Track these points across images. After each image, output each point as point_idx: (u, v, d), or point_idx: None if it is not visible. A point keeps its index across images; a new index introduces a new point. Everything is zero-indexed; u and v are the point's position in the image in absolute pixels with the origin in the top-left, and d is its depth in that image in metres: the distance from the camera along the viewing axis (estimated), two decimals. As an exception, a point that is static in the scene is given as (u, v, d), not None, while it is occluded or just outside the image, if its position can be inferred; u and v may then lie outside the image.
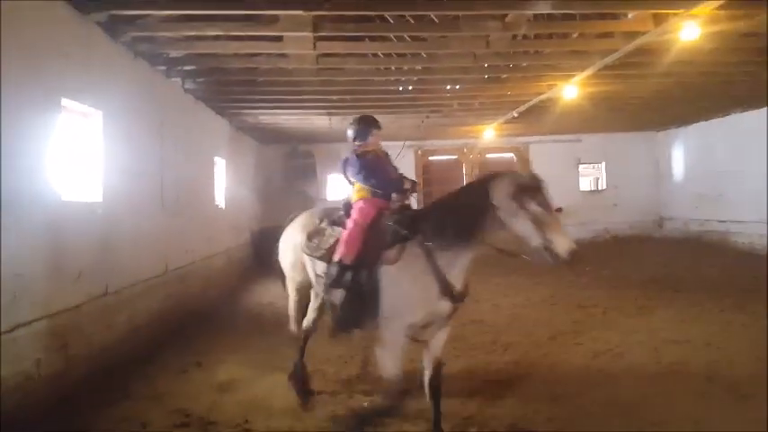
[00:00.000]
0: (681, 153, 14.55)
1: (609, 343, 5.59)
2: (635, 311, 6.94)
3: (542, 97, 9.00)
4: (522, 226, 3.26)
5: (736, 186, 11.95)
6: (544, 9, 5.09)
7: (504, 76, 7.99)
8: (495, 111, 10.59)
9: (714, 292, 7.69)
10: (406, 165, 14.66)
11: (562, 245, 3.17)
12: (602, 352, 5.35)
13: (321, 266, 3.89)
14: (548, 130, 13.95)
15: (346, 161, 4.06)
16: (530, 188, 3.27)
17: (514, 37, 6.10)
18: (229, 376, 4.91)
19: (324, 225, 4.02)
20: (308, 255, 4.02)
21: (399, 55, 6.91)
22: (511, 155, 15.55)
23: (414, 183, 3.98)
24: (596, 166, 15.99)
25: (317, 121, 10.92)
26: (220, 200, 10.07)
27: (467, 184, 4.17)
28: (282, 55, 6.56)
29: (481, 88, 8.57)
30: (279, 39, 5.92)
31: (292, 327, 4.49)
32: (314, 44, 5.90)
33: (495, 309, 7.47)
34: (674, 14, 5.25)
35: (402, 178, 4.00)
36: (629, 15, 5.72)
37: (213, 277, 8.98)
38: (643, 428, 3.69)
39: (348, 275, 3.63)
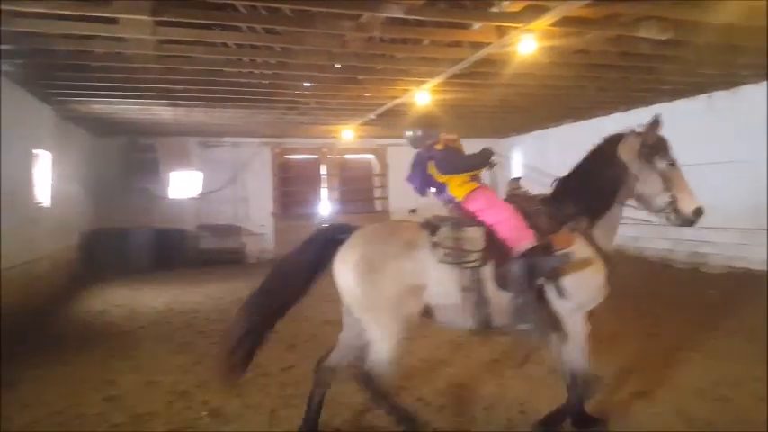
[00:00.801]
0: (520, 159, 16.13)
1: (451, 334, 5.90)
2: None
3: (398, 101, 9.43)
4: (650, 184, 3.39)
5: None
6: (396, 13, 5.33)
7: (361, 77, 8.23)
8: (353, 111, 10.86)
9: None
10: (260, 164, 14.49)
11: (688, 203, 3.33)
12: (445, 342, 5.76)
13: (467, 276, 3.45)
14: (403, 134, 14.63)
15: (432, 160, 3.85)
16: (655, 145, 3.38)
17: (369, 39, 6.31)
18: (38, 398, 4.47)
19: (447, 230, 3.50)
20: (453, 264, 3.45)
21: (253, 47, 6.78)
22: (371, 156, 16.03)
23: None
24: (449, 169, 17.09)
25: (160, 112, 10.27)
26: (44, 198, 9.03)
27: (592, 150, 3.88)
28: (120, 39, 6.09)
29: (338, 88, 8.72)
30: (114, 21, 5.49)
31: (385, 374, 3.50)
32: (153, 29, 5.57)
33: (349, 308, 7.64)
34: (515, 28, 5.82)
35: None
36: (475, 26, 6.22)
37: (33, 284, 8.02)
38: (476, 413, 4.05)
39: (529, 268, 3.34)
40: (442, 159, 3.85)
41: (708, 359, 5.08)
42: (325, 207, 15.42)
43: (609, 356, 5.14)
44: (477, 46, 6.53)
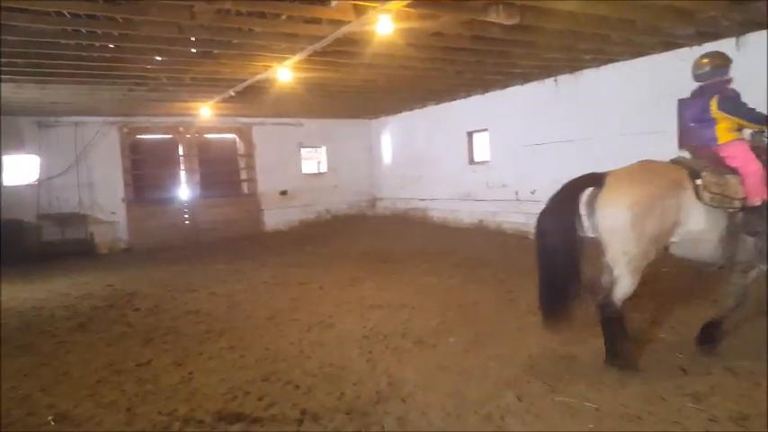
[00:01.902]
0: (389, 139, 16.70)
1: (322, 315, 6.21)
2: (347, 284, 7.82)
3: (259, 78, 9.25)
4: None
5: (432, 169, 14.47)
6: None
7: (216, 51, 7.95)
8: (211, 88, 10.44)
9: (412, 260, 9.20)
10: (107, 145, 13.44)
11: None
12: (315, 324, 5.92)
13: (725, 219, 4.04)
14: (270, 113, 14.39)
15: (722, 98, 4.20)
16: None
17: (219, 11, 6.12)
18: None
19: (710, 175, 4.04)
20: (715, 206, 4.01)
21: (90, 17, 6.26)
22: (233, 136, 15.55)
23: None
24: (318, 149, 17.18)
25: (-18, 87, 9.11)
26: None
27: None
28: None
29: (192, 63, 8.34)
30: None
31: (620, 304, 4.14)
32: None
33: (212, 297, 7.52)
34: (372, 7, 5.96)
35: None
36: (333, 4, 6.29)
37: None
38: (345, 390, 4.24)
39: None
40: (729, 98, 4.23)
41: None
42: (184, 191, 14.72)
43: (469, 323, 5.62)
44: (337, 24, 6.62)
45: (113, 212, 13.47)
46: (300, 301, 6.98)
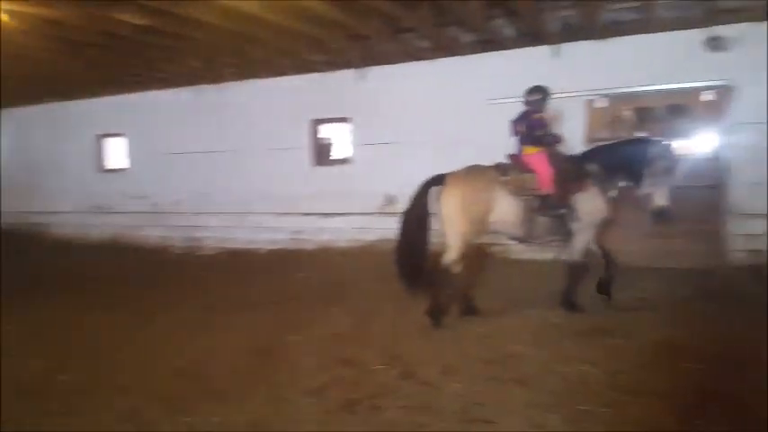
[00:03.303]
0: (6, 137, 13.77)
1: None
2: None
3: None
4: None
5: (57, 177, 12.65)
6: None
7: None
8: None
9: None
10: None
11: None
12: None
13: (521, 204, 5.59)
14: None
15: (529, 124, 5.77)
16: None
17: None
18: None
19: (513, 173, 5.64)
20: (513, 195, 5.58)
21: None
22: None
23: (559, 136, 5.89)
24: None
25: None
26: None
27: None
28: None
29: None
30: None
31: (455, 269, 5.63)
32: None
33: None
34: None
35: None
36: None
37: None
38: None
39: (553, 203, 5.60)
40: (531, 127, 5.72)
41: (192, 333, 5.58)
42: None
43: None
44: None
45: None
46: None
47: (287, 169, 10.23)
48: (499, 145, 8.44)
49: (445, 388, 3.93)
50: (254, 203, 10.59)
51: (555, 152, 5.79)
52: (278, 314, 6.11)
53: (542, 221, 5.67)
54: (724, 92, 7.39)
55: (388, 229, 9.13)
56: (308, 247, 10.07)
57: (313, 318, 5.88)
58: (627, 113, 8.23)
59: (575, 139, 7.32)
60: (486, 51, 8.52)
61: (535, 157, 5.70)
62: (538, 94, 5.83)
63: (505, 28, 7.77)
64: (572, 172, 5.66)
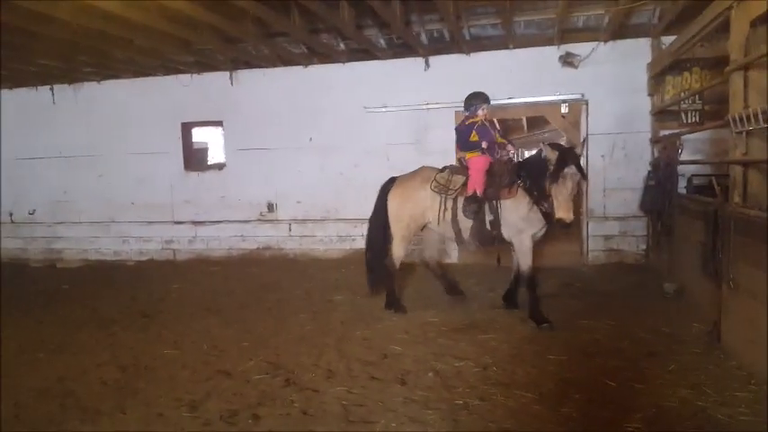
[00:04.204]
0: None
1: None
2: None
3: None
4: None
5: None
6: None
7: None
8: None
9: None
10: None
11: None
12: None
13: (449, 203, 5.84)
14: None
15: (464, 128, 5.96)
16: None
17: None
18: None
19: (447, 175, 5.96)
20: (438, 194, 5.89)
21: None
22: None
23: (510, 143, 6.21)
24: None
25: None
26: None
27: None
28: None
29: None
30: None
31: (397, 264, 6.19)
32: None
33: None
34: None
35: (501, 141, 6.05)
36: None
37: None
38: None
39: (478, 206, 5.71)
40: (464, 132, 5.92)
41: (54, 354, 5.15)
42: None
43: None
44: None
45: None
46: None
47: (157, 175, 9.79)
48: (378, 151, 8.80)
49: (327, 392, 4.00)
50: (121, 212, 10.02)
51: (500, 158, 5.87)
52: (150, 328, 5.84)
53: (473, 225, 5.77)
54: (579, 105, 8.22)
55: (269, 236, 9.28)
56: (182, 257, 9.73)
57: (188, 330, 5.70)
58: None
59: (447, 148, 7.79)
60: (362, 60, 8.77)
61: (473, 160, 5.85)
62: (473, 101, 5.95)
63: (379, 38, 8.07)
64: (504, 177, 5.64)
